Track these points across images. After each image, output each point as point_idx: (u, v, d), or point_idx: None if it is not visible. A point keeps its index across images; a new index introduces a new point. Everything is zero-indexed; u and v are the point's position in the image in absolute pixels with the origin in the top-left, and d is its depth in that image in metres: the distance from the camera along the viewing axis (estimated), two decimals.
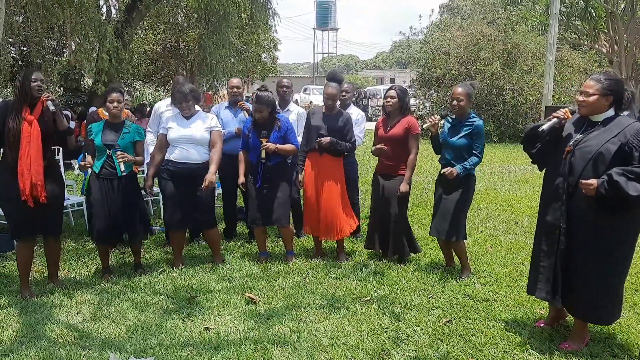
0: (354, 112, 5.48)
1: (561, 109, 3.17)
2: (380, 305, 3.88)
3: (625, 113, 3.05)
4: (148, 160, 5.20)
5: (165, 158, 4.62)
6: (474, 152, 4.23)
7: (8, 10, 11.13)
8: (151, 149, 5.09)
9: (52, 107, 3.85)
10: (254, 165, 4.76)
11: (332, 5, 56.78)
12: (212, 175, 4.51)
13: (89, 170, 4.40)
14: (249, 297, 3.98)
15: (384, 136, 4.72)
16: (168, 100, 5.43)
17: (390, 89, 4.75)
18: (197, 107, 4.77)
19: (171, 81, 20.55)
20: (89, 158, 4.32)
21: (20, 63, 16.43)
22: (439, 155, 4.47)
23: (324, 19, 56.76)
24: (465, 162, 4.21)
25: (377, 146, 4.70)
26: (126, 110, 5.50)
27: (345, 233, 4.89)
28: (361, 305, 3.87)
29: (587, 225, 3.02)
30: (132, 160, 4.36)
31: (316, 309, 3.82)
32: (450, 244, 4.47)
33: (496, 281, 4.37)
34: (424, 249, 5.19)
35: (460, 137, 4.25)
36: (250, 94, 6.56)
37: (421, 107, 17.69)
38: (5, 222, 5.36)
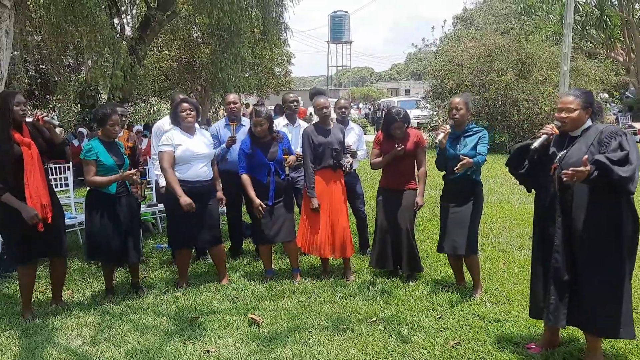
0: (355, 128, 5.64)
1: (547, 125, 3.22)
2: (386, 327, 3.76)
3: None
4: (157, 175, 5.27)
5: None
6: (479, 153, 4.16)
7: (24, 30, 11.34)
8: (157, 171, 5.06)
9: (56, 122, 3.90)
10: (264, 184, 4.64)
11: (345, 19, 57.17)
12: (222, 192, 4.81)
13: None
14: (252, 318, 3.90)
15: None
16: (168, 118, 5.38)
17: (395, 121, 4.49)
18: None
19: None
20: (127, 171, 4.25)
21: (38, 81, 16.73)
22: (443, 171, 4.35)
23: (338, 32, 57.15)
24: (476, 158, 4.12)
25: (398, 147, 4.45)
26: (126, 130, 5.48)
27: (352, 250, 4.84)
28: (367, 327, 3.76)
29: (585, 239, 3.02)
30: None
31: (320, 330, 3.72)
32: (465, 259, 4.35)
33: (508, 300, 4.22)
34: (434, 266, 5.07)
35: (472, 149, 4.18)
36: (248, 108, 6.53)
37: (435, 118, 17.56)
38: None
